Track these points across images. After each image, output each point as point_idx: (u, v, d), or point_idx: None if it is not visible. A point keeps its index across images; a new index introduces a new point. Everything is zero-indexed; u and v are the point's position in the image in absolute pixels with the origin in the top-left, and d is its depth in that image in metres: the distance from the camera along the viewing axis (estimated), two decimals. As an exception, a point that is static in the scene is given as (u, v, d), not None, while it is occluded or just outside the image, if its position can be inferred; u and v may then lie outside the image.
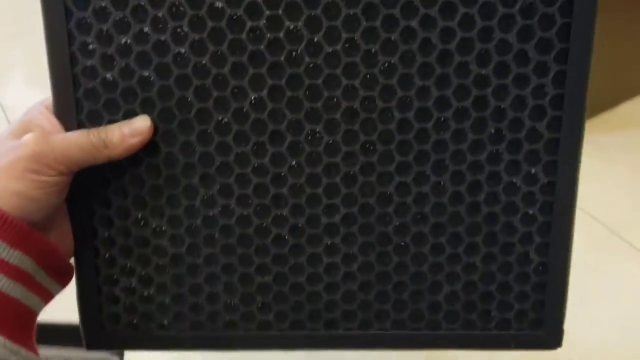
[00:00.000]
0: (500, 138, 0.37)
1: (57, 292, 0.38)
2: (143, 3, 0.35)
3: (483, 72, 0.36)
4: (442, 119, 0.37)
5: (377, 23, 0.35)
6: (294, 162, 0.37)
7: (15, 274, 0.34)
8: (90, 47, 0.36)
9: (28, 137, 0.35)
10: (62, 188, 0.36)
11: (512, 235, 0.39)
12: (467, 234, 0.39)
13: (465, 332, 0.40)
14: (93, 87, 0.37)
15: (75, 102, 0.37)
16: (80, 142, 0.35)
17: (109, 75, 0.36)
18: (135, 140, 0.36)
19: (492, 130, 0.37)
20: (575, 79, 0.36)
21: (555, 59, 0.36)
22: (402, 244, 0.39)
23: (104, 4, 0.35)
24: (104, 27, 0.36)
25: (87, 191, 0.38)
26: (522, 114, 0.37)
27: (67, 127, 0.37)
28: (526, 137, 0.37)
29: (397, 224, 0.38)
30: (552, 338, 0.40)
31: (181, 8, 0.35)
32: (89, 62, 0.36)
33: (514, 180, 0.38)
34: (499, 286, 0.39)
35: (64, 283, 0.38)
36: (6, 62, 1.44)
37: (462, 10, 0.35)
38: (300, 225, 0.38)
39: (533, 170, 0.37)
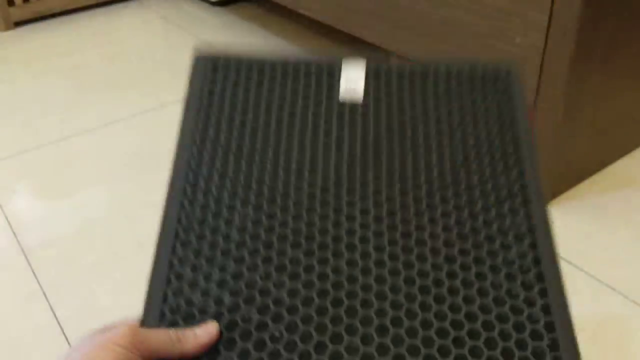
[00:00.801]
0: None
1: None
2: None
3: None
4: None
5: None
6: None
7: None
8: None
9: (122, 329, 0.41)
10: None
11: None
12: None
13: None
14: (178, 304, 0.46)
15: (160, 315, 0.45)
16: (160, 335, 0.43)
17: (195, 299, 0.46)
18: (204, 340, 0.43)
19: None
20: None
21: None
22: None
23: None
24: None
25: None
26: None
27: None
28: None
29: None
30: None
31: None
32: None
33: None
34: None
35: None
36: None
37: None
38: None
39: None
